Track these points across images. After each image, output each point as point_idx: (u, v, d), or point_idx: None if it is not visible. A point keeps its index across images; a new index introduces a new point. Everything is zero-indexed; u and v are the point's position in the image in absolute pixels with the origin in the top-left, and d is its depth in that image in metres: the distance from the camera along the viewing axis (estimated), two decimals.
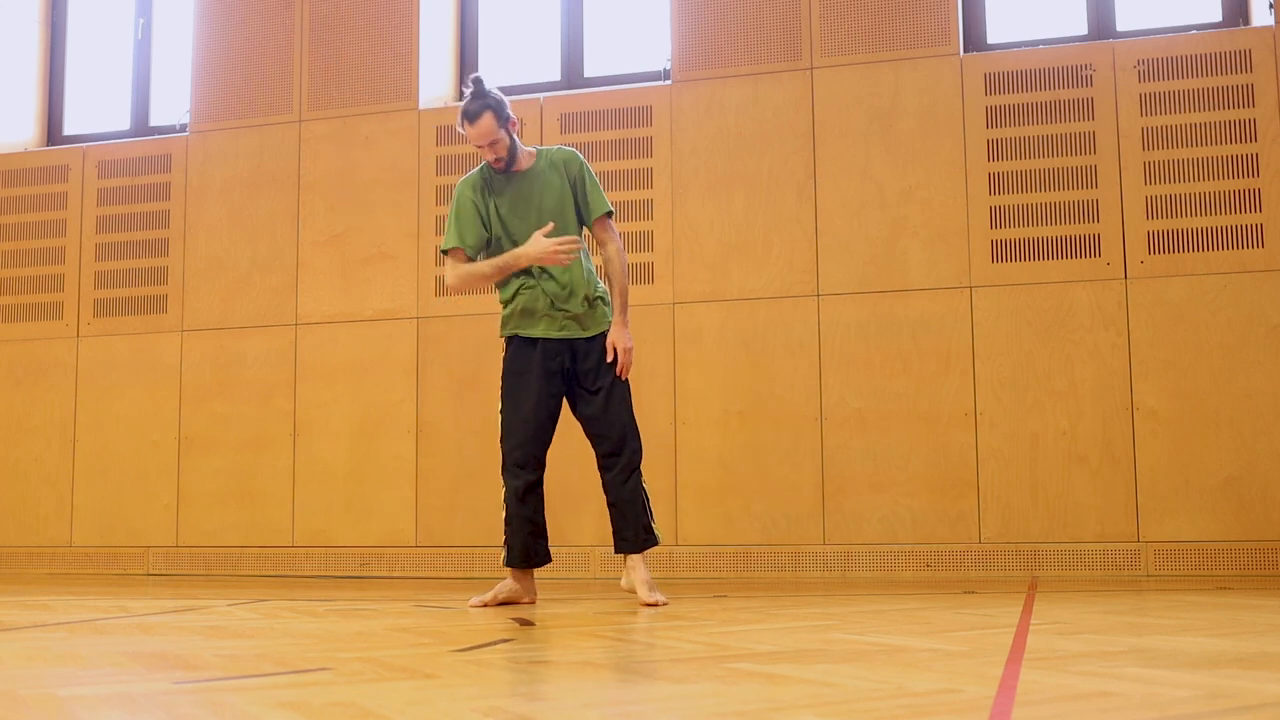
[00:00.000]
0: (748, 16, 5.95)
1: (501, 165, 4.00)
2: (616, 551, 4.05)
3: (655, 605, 3.83)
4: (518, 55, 6.66)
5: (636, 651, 2.52)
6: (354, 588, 5.18)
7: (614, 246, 4.08)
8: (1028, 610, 3.45)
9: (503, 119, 3.94)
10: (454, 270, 4.04)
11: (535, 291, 4.00)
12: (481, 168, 4.11)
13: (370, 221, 6.31)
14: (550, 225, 3.95)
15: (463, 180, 4.12)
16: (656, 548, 4.33)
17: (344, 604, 4.06)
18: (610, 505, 4.04)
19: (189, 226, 6.60)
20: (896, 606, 3.71)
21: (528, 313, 4.01)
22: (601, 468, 4.04)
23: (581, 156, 4.13)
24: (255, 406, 6.35)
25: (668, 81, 6.10)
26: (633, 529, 4.00)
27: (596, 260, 4.38)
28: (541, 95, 6.26)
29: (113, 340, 6.63)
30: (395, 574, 6.03)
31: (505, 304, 4.07)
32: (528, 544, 3.99)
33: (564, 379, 4.04)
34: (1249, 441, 5.22)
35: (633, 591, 3.99)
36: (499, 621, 3.36)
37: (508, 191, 4.05)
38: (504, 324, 4.08)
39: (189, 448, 6.43)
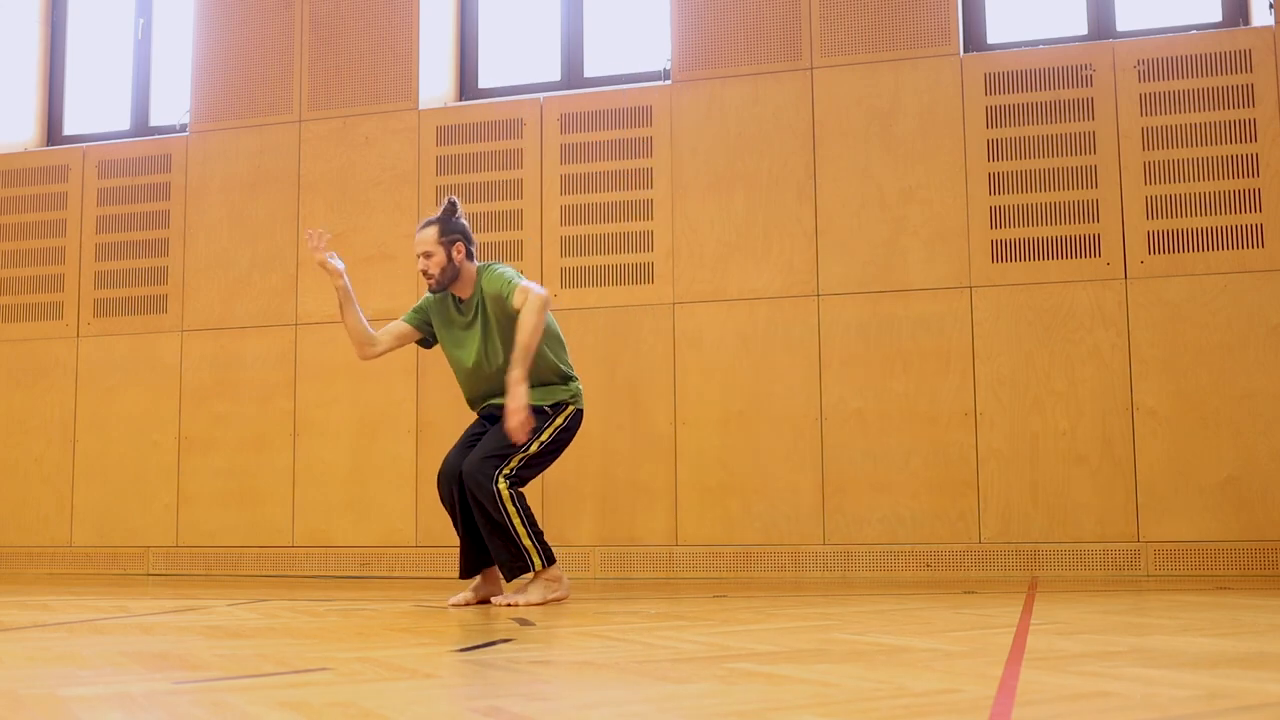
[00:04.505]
0: (747, 16, 5.95)
1: (432, 284, 4.24)
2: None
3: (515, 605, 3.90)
4: (517, 55, 6.66)
5: (636, 651, 2.52)
6: (354, 588, 5.18)
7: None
8: (1028, 610, 3.45)
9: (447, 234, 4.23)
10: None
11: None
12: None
13: (370, 221, 6.31)
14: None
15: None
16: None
17: (344, 604, 4.06)
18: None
19: (189, 226, 6.59)
20: (896, 606, 3.71)
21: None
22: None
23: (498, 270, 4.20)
24: (255, 406, 6.35)
25: (668, 81, 6.10)
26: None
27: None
28: (541, 95, 6.26)
29: (113, 340, 6.63)
30: (395, 574, 6.03)
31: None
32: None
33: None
34: (1249, 441, 5.22)
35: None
36: (499, 621, 3.36)
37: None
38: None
39: (189, 448, 6.43)
